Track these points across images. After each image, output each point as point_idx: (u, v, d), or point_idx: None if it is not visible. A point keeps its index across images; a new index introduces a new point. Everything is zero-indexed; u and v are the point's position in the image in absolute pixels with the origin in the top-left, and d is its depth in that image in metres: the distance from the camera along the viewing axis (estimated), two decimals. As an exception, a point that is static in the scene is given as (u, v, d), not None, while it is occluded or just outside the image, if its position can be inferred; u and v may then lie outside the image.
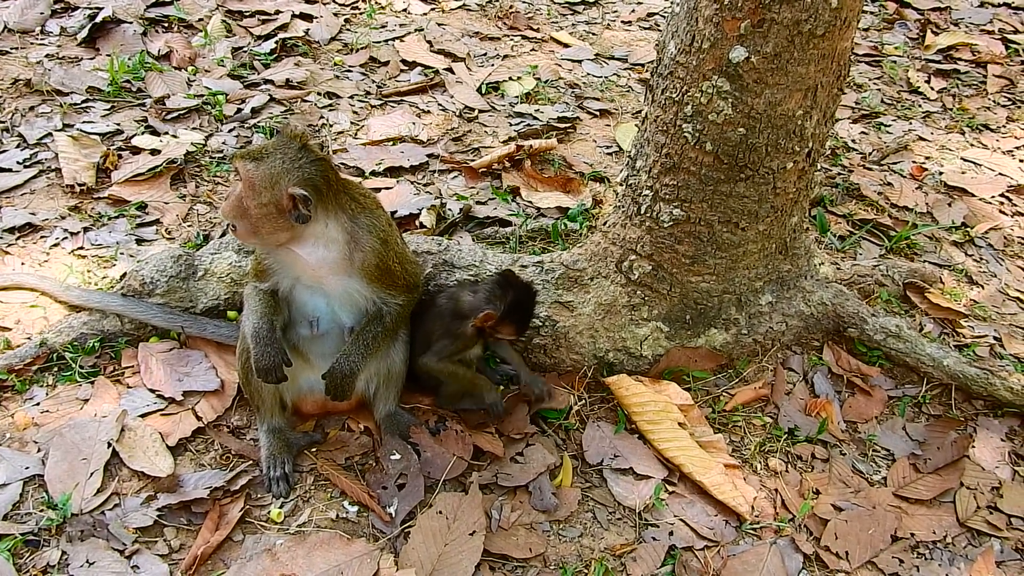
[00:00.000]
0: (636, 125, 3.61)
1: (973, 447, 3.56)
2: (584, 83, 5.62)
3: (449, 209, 4.31)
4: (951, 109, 5.77)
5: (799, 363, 3.79)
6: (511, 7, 6.35)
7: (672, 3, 3.28)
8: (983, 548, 3.24)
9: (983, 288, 4.34)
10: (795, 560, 3.12)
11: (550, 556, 3.05)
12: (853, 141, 5.32)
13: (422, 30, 5.89)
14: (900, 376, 3.79)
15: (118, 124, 4.64)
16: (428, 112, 5.12)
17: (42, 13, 5.46)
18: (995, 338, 4.03)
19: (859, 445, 3.57)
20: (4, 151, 4.37)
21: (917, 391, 3.73)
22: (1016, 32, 6.68)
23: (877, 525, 3.25)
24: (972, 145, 5.44)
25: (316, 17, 5.81)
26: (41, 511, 2.94)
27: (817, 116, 3.25)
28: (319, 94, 5.12)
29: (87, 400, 3.30)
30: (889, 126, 5.52)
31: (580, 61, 5.86)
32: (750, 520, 3.21)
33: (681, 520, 3.20)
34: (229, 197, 2.96)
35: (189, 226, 4.11)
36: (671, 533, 3.15)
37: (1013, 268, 4.51)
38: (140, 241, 3.99)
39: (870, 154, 5.20)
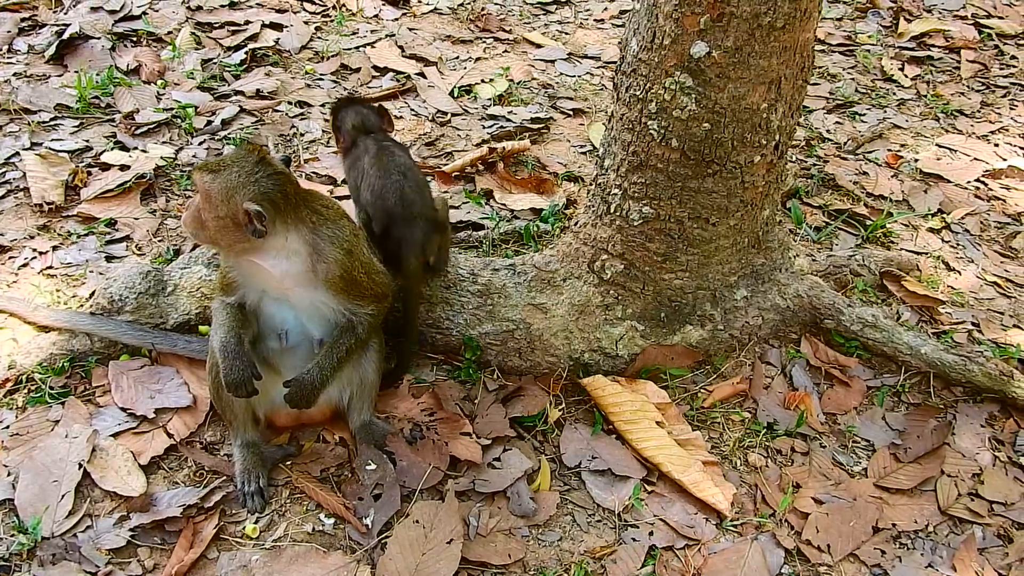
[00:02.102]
0: (603, 124, 3.59)
1: (953, 434, 3.55)
2: (557, 83, 5.60)
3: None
4: (925, 96, 5.77)
5: (777, 357, 3.77)
6: (483, 9, 6.32)
7: (634, 0, 3.26)
8: (965, 536, 3.22)
9: (960, 274, 4.33)
10: (776, 555, 3.10)
11: (529, 561, 3.02)
12: (828, 131, 5.31)
13: (393, 35, 5.87)
14: (878, 366, 3.78)
15: (87, 141, 4.60)
16: (401, 117, 5.09)
17: (9, 31, 5.42)
18: (973, 324, 4.02)
19: (839, 437, 3.55)
20: (-29, 172, 4.34)
21: (896, 380, 3.72)
22: (989, 16, 6.69)
23: (858, 517, 3.23)
24: (947, 131, 5.43)
25: (286, 26, 5.77)
26: (12, 536, 2.90)
27: (783, 108, 3.24)
28: (290, 103, 5.08)
29: (57, 421, 3.26)
30: (864, 115, 5.51)
31: (553, 61, 5.83)
32: (730, 517, 3.19)
33: (661, 520, 3.18)
34: (189, 207, 2.94)
35: (160, 241, 4.08)
36: (651, 533, 3.13)
37: (990, 253, 4.50)
38: (110, 258, 3.95)
39: (845, 144, 5.19)
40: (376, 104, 3.85)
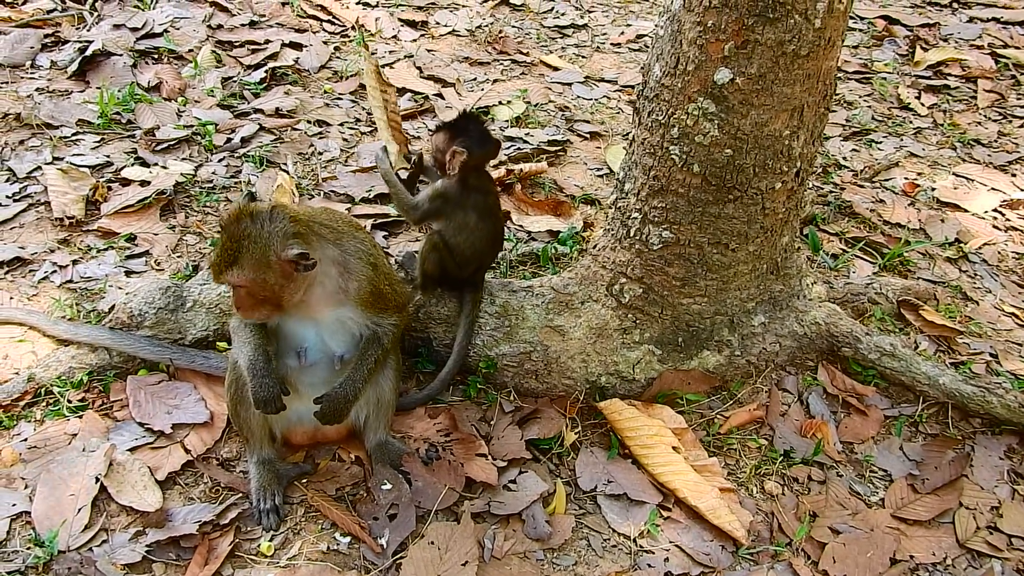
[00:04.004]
0: (624, 148, 3.61)
1: (971, 466, 3.52)
2: (574, 106, 5.63)
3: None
4: (942, 125, 5.77)
5: (794, 384, 3.76)
6: (500, 32, 6.37)
7: (657, 26, 3.28)
8: (983, 570, 3.19)
9: (978, 304, 4.32)
10: (793, 585, 3.08)
11: (544, 585, 3.01)
12: (844, 158, 5.32)
13: (412, 56, 5.91)
14: (896, 395, 3.76)
15: (108, 156, 4.64)
16: (418, 138, 5.11)
17: (32, 47, 5.47)
18: (991, 354, 4.00)
19: (856, 466, 3.53)
20: (-7, 185, 4.37)
21: (913, 410, 3.70)
22: (1005, 46, 6.70)
23: (875, 548, 3.21)
24: (964, 160, 5.43)
25: (306, 46, 5.82)
26: (28, 549, 2.90)
27: (804, 136, 3.25)
28: (309, 122, 5.12)
29: (75, 435, 3.27)
30: (880, 143, 5.52)
31: (570, 84, 5.87)
32: (746, 545, 3.17)
33: (676, 546, 3.16)
34: (239, 300, 2.91)
35: (179, 257, 4.09)
36: (667, 560, 3.11)
37: (1007, 283, 4.49)
38: (129, 273, 3.97)
39: (862, 171, 5.19)
40: (495, 138, 3.63)
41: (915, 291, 4.18)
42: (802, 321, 3.76)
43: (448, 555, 2.97)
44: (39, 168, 4.47)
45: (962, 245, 4.68)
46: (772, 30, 2.94)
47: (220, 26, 5.92)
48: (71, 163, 4.52)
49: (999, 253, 4.68)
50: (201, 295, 3.62)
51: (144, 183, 4.44)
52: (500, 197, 3.72)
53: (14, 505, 3.02)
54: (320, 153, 4.89)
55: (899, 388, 3.76)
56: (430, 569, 2.93)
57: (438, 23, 6.45)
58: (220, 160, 4.72)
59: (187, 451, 3.27)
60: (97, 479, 3.10)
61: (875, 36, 6.78)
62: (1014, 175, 5.31)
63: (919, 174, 5.25)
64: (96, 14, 5.85)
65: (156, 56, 5.55)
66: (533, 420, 3.50)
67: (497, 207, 3.64)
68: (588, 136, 5.34)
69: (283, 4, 6.28)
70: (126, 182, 4.47)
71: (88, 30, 5.68)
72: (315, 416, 3.10)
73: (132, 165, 4.58)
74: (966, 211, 4.94)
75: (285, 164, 4.73)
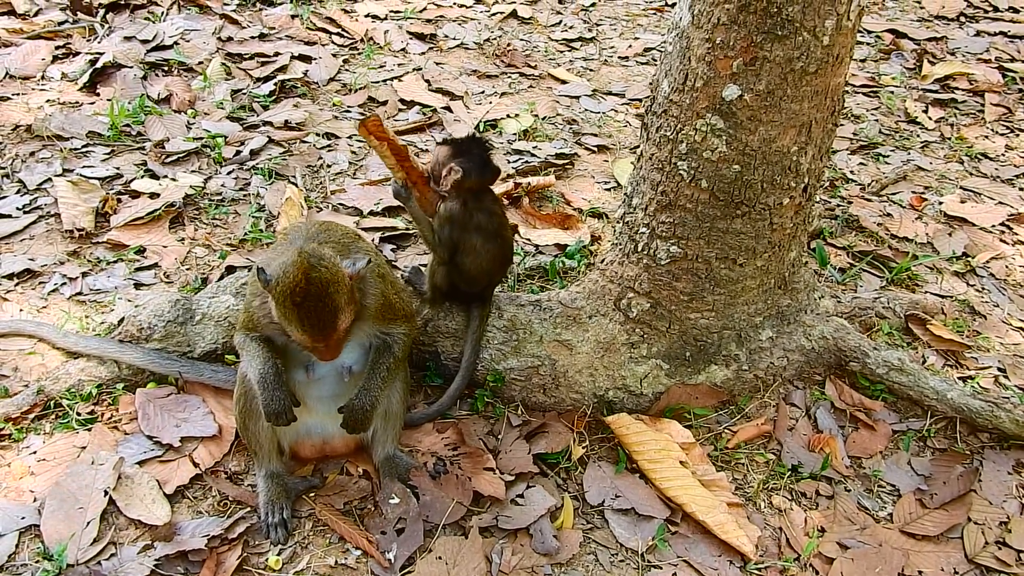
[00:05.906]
0: (631, 161, 3.62)
1: (980, 481, 3.51)
2: (582, 119, 5.64)
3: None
4: (949, 138, 5.78)
5: (801, 398, 3.75)
6: (508, 45, 6.39)
7: (665, 42, 3.30)
8: (993, 585, 3.19)
9: (986, 318, 4.31)
10: (801, 601, 3.08)
11: (552, 600, 3.01)
12: (851, 172, 5.32)
13: (420, 69, 5.94)
14: (904, 410, 3.76)
15: (118, 168, 4.66)
16: (426, 151, 5.13)
17: (43, 59, 5.52)
18: (999, 369, 4.00)
19: (864, 481, 3.52)
20: (4, 197, 4.39)
21: (921, 425, 3.69)
22: (1013, 60, 6.70)
23: (884, 563, 3.20)
24: (971, 174, 5.43)
25: (315, 58, 5.85)
26: (37, 562, 2.91)
27: (812, 151, 3.25)
28: (318, 135, 5.14)
29: (84, 447, 3.27)
30: (887, 157, 5.52)
31: (578, 97, 5.88)
32: (755, 560, 3.16)
33: (684, 561, 3.15)
34: (334, 349, 2.92)
35: (187, 270, 4.11)
36: (675, 575, 3.11)
37: (1015, 298, 4.48)
38: (138, 285, 3.99)
39: (869, 185, 5.20)
40: (495, 165, 3.54)
41: (923, 305, 4.18)
42: (810, 335, 3.76)
43: (456, 570, 2.97)
44: (49, 180, 4.50)
45: (970, 259, 4.67)
46: (781, 47, 2.95)
47: (230, 38, 5.96)
48: (81, 175, 4.55)
49: (1007, 267, 4.67)
50: (210, 308, 3.63)
51: (153, 195, 4.46)
52: (507, 215, 3.70)
53: (23, 518, 3.03)
54: (329, 166, 4.91)
55: (907, 403, 3.75)
56: (438, 584, 2.94)
57: (446, 36, 6.48)
58: (229, 173, 4.74)
59: (195, 464, 3.28)
60: (106, 492, 3.11)
61: (882, 50, 6.79)
62: (1022, 189, 5.30)
63: (926, 188, 5.25)
64: (107, 26, 5.90)
65: (166, 68, 5.58)
66: (541, 434, 3.50)
67: (504, 226, 3.63)
68: (596, 149, 5.35)
69: (292, 17, 6.33)
70: (135, 194, 4.49)
71: (99, 42, 5.72)
72: (341, 426, 3.12)
73: (142, 177, 4.61)
74: (973, 225, 4.94)
75: (294, 177, 4.75)
